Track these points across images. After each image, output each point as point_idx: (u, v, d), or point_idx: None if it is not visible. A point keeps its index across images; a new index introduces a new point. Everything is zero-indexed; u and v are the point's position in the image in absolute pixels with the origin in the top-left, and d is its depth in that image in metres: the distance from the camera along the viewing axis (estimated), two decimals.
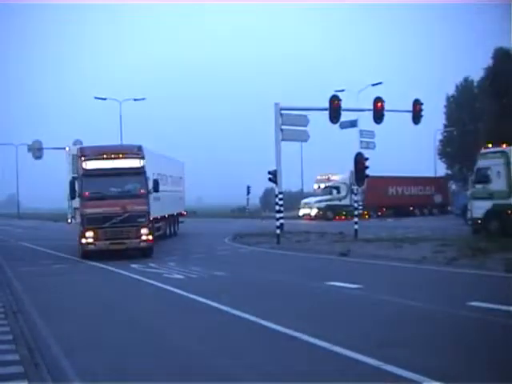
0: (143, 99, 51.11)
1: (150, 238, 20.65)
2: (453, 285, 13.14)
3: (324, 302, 11.44)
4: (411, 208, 54.39)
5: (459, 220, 32.62)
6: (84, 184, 20.24)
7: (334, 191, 50.98)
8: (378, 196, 50.60)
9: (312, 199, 52.62)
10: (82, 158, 20.42)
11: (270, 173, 27.65)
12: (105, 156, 20.55)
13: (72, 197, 20.79)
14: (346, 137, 32.15)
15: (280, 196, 26.85)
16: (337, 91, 31.54)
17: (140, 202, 20.46)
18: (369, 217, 49.77)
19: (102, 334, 9.13)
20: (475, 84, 62.63)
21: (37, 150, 42.05)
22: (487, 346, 7.66)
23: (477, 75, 58.09)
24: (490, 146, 23.65)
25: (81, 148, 22.33)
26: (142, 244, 20.38)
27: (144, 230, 20.31)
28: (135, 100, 50.37)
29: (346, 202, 49.73)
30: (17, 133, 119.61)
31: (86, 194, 20.19)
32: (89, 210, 20.05)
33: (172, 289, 13.19)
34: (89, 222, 19.99)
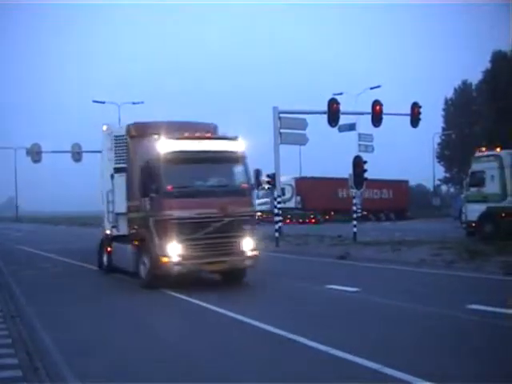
0: (141, 103, 51.14)
1: (257, 252, 14.39)
2: (451, 288, 13.16)
3: (323, 305, 11.44)
4: (365, 212, 49.94)
5: (457, 223, 32.65)
6: (164, 174, 13.57)
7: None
8: (324, 199, 49.23)
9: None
10: (155, 137, 14.03)
11: (268, 176, 27.66)
12: (189, 135, 14.21)
13: (144, 194, 14.03)
14: (345, 140, 32.25)
15: (279, 199, 26.85)
16: (335, 94, 31.53)
17: (244, 201, 14.32)
18: (316, 222, 49.00)
19: (101, 338, 9.13)
20: (473, 87, 62.94)
21: (35, 154, 41.88)
22: (486, 348, 7.68)
23: (475, 78, 58.48)
24: (484, 149, 23.97)
25: (139, 124, 15.90)
26: (247, 262, 14.13)
27: (249, 241, 14.12)
28: (134, 103, 50.39)
29: (290, 204, 49.04)
30: (15, 136, 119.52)
31: (169, 188, 13.40)
32: (175, 213, 13.35)
33: (169, 292, 13.16)
34: (175, 230, 13.27)
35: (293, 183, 49.95)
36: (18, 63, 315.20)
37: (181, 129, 14.52)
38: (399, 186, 57.40)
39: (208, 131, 15.27)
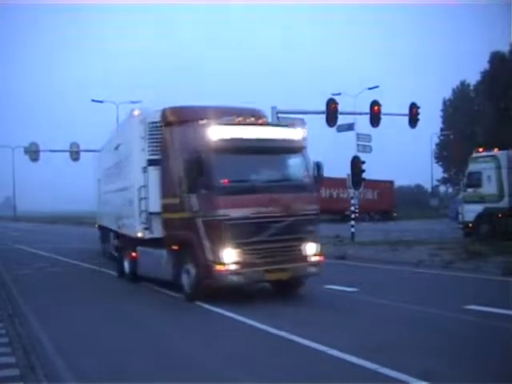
0: (140, 102, 51.00)
1: (322, 257, 12.77)
2: (449, 288, 13.16)
3: (321, 305, 11.44)
4: (346, 213, 49.85)
5: (454, 223, 32.68)
6: (216, 166, 11.47)
7: None
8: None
9: None
10: (202, 123, 11.77)
11: None
12: (243, 120, 12.03)
13: (190, 190, 11.80)
14: (343, 140, 32.22)
15: None
16: (334, 95, 31.43)
17: (308, 198, 12.37)
18: None
19: (98, 336, 9.11)
20: (472, 88, 63.02)
21: (33, 153, 41.82)
22: (484, 348, 7.67)
23: (473, 79, 58.58)
24: (481, 150, 24.06)
25: (177, 109, 13.70)
26: (311, 269, 12.22)
27: (314, 245, 12.36)
28: (132, 103, 50.24)
29: None
30: (13, 135, 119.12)
31: (224, 182, 11.33)
32: (231, 213, 11.25)
33: (168, 291, 13.15)
34: (231, 232, 11.19)
35: None
36: (16, 63, 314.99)
37: (227, 114, 12.34)
38: (384, 186, 55.57)
39: (259, 117, 12.92)
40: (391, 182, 58.00)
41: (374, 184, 52.11)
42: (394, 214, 55.47)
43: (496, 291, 12.36)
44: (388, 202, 55.60)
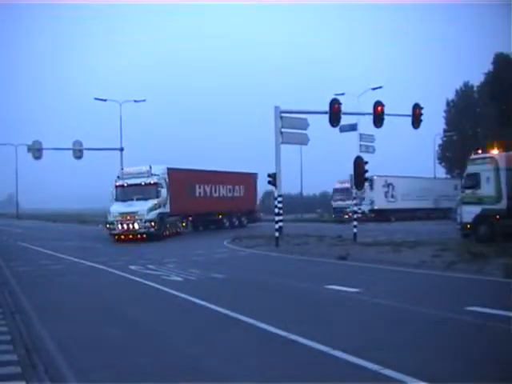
0: (143, 101, 51.11)
1: None
2: (451, 289, 13.14)
3: (323, 305, 11.43)
4: (220, 216, 42.01)
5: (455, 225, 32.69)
6: None
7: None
8: (184, 199, 36.59)
9: None
10: None
11: (269, 176, 27.67)
12: None
13: None
14: (346, 140, 32.19)
15: (279, 199, 26.86)
16: (337, 95, 31.51)
17: None
18: (177, 232, 35.81)
19: (100, 334, 9.13)
20: (475, 89, 62.89)
21: (36, 151, 42.01)
22: (485, 350, 7.66)
23: (477, 80, 58.45)
24: (480, 151, 24.20)
25: None
26: None
27: None
28: (135, 101, 50.35)
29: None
30: (16, 133, 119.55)
31: None
32: None
33: (170, 290, 13.18)
34: None
35: (166, 176, 34.91)
36: (20, 61, 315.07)
37: None
38: (247, 179, 44.65)
39: None
40: (255, 175, 45.64)
41: (237, 177, 43.64)
42: (261, 215, 48.30)
43: (498, 293, 12.35)
44: (251, 200, 45.54)
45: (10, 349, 7.96)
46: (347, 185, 52.50)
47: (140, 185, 32.59)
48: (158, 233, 31.82)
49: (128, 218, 31.35)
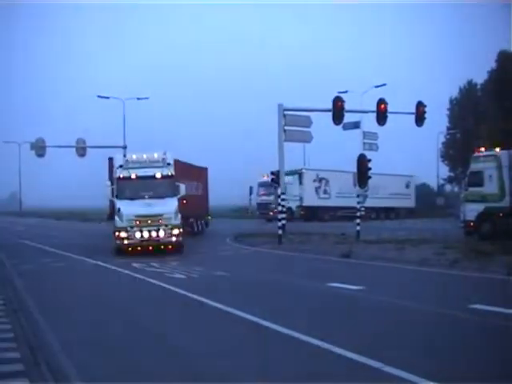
0: (146, 98, 51.10)
1: None
2: (454, 287, 13.13)
3: (325, 303, 11.42)
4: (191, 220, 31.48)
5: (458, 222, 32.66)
6: None
7: None
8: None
9: None
10: None
11: (272, 173, 27.65)
12: None
13: None
14: (349, 138, 32.19)
15: (282, 197, 26.85)
16: (340, 92, 31.54)
17: None
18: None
19: (103, 332, 9.13)
20: (478, 87, 62.71)
21: (40, 148, 41.95)
22: (488, 348, 7.65)
23: (480, 78, 58.29)
24: (483, 149, 24.19)
25: None
26: None
27: None
28: (138, 99, 50.33)
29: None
30: (20, 130, 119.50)
31: None
32: None
33: (173, 288, 13.18)
34: None
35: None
36: (22, 58, 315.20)
37: None
38: (199, 175, 35.45)
39: None
40: (205, 169, 37.79)
41: (196, 171, 34.55)
42: (209, 218, 37.79)
43: (501, 291, 12.34)
44: (204, 201, 36.68)
45: (13, 346, 7.97)
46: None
47: (154, 177, 23.33)
48: (182, 243, 23.10)
49: (149, 222, 22.21)
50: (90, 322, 9.93)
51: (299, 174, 49.61)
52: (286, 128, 27.36)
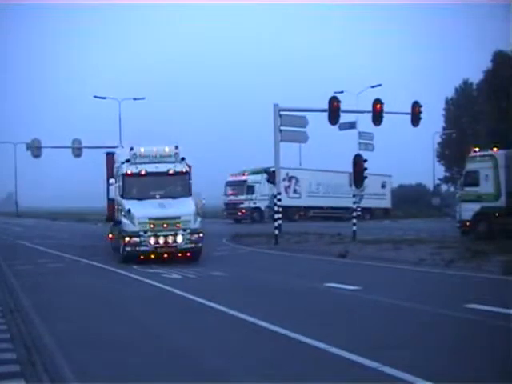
0: (143, 99, 51.09)
1: None
2: (450, 287, 13.15)
3: (322, 303, 11.43)
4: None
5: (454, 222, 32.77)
6: None
7: None
8: None
9: None
10: None
11: (267, 173, 27.66)
12: None
13: None
14: (345, 138, 32.23)
15: (278, 197, 26.85)
16: (336, 93, 31.57)
17: None
18: None
19: (99, 333, 9.12)
20: (474, 87, 62.82)
21: (36, 149, 41.86)
22: (485, 348, 7.67)
23: (476, 78, 58.36)
24: (478, 149, 24.30)
25: None
26: None
27: None
28: (134, 99, 50.33)
29: None
30: (15, 131, 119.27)
31: None
32: None
33: (170, 289, 13.17)
34: None
35: None
36: (18, 58, 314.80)
37: None
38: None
39: None
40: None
41: None
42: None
43: (497, 290, 12.37)
44: None
45: (9, 347, 7.95)
46: (243, 177, 47.65)
47: (167, 174, 20.51)
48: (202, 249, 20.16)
49: (165, 226, 19.17)
50: (87, 322, 9.90)
51: (267, 172, 48.63)
52: (281, 128, 27.36)
